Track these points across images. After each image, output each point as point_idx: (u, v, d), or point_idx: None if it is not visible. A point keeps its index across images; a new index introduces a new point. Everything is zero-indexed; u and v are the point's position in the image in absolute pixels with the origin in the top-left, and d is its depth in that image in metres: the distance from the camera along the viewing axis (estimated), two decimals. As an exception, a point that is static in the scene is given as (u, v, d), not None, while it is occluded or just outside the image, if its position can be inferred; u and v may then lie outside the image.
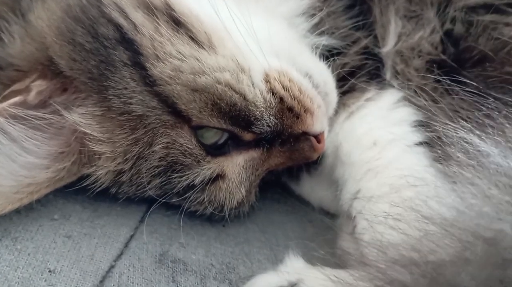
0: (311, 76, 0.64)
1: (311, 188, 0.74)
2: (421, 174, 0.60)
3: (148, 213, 0.62)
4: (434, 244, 0.45)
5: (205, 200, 0.61)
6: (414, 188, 0.56)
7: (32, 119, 0.54)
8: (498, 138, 0.48)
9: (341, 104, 0.69)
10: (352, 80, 0.70)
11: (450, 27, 0.69)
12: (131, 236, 0.59)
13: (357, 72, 0.71)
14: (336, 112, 0.69)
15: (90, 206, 0.61)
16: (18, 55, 0.56)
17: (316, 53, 0.69)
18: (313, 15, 0.71)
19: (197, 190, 0.60)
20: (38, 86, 0.55)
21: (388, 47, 0.72)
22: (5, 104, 0.53)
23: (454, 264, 0.41)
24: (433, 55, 0.69)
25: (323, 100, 0.64)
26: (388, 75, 0.71)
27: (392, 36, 0.72)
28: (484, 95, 0.57)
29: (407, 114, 0.67)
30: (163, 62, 0.54)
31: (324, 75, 0.66)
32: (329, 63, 0.69)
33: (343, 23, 0.73)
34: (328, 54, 0.71)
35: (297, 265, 0.58)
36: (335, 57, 0.71)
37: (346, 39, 0.72)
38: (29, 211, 0.56)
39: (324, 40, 0.70)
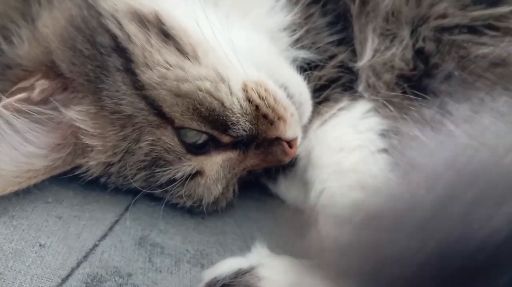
0: (287, 87, 0.71)
1: (286, 188, 0.80)
2: (380, 176, 0.67)
3: (133, 202, 0.69)
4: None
5: (185, 193, 0.68)
6: (373, 187, 0.62)
7: (34, 113, 0.62)
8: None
9: (316, 113, 0.76)
10: (327, 92, 0.77)
11: (422, 45, 0.75)
12: (116, 221, 0.66)
13: (332, 84, 0.78)
14: (311, 120, 0.76)
15: (81, 193, 0.68)
16: (25, 56, 0.64)
17: (294, 66, 0.76)
18: (295, 30, 0.77)
19: (178, 184, 0.67)
20: (41, 85, 0.62)
21: (363, 62, 0.78)
22: (11, 99, 0.60)
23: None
24: (404, 71, 0.75)
25: (297, 109, 0.71)
26: (360, 87, 0.77)
27: (368, 52, 0.78)
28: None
29: (375, 123, 0.73)
30: (151, 70, 0.62)
31: (300, 87, 0.72)
32: (306, 75, 0.76)
33: (324, 38, 0.79)
34: (307, 67, 0.78)
35: (262, 252, 0.64)
36: (313, 70, 0.77)
37: (324, 54, 0.78)
38: (26, 194, 0.63)
39: (303, 54, 0.77)
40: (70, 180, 0.67)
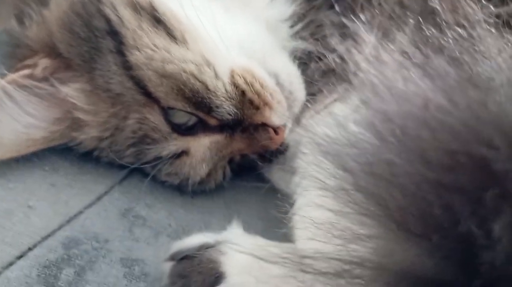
0: (277, 76, 0.73)
1: (278, 176, 0.82)
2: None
3: (125, 176, 0.74)
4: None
5: (172, 172, 0.72)
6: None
7: (36, 89, 0.68)
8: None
9: (311, 102, 0.77)
10: (323, 82, 0.77)
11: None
12: (105, 192, 0.71)
13: (329, 75, 0.78)
14: (305, 109, 0.77)
15: (77, 164, 0.74)
16: (33, 37, 0.71)
17: (292, 56, 0.77)
18: (296, 21, 0.79)
19: (164, 162, 0.71)
20: (43, 63, 0.69)
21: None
22: (16, 75, 0.67)
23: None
24: None
25: (288, 98, 0.73)
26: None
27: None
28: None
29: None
30: (139, 51, 0.66)
31: (291, 76, 0.74)
32: (305, 65, 0.77)
33: (325, 31, 0.80)
34: (306, 57, 0.79)
35: (235, 231, 0.67)
36: (312, 61, 0.79)
37: (324, 46, 0.79)
38: (26, 161, 0.70)
39: (303, 45, 0.79)
40: (68, 151, 0.73)
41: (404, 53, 0.46)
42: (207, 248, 0.61)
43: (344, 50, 0.51)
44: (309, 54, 0.79)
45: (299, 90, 0.75)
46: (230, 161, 0.78)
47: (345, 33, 0.80)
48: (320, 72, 0.79)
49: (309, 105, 0.77)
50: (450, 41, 0.47)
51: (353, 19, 0.71)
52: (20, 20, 0.73)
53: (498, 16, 0.57)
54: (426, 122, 0.38)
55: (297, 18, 0.79)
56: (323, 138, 0.49)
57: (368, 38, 0.57)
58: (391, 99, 0.42)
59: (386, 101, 0.42)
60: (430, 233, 0.38)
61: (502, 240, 0.32)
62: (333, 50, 0.78)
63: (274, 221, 0.76)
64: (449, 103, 0.37)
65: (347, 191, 0.44)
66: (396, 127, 0.40)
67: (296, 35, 0.79)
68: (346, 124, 0.46)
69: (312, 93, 0.77)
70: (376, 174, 0.41)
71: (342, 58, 0.70)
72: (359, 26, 0.57)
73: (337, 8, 0.81)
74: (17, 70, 0.68)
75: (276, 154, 0.79)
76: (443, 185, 0.36)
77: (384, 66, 0.44)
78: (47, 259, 0.59)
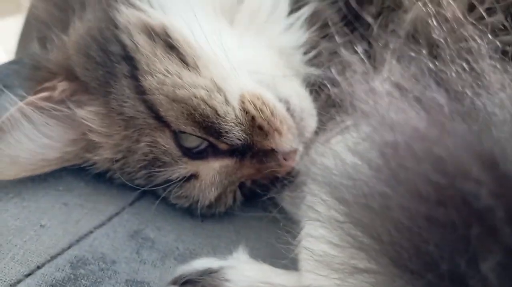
0: (288, 102, 0.73)
1: (289, 202, 0.82)
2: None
3: (137, 198, 0.75)
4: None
5: (182, 194, 0.73)
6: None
7: (52, 111, 0.71)
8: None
9: (323, 129, 0.77)
10: (335, 109, 0.77)
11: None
12: (116, 213, 0.73)
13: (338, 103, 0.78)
14: (317, 136, 0.77)
15: (91, 185, 0.75)
16: (53, 61, 0.73)
17: (306, 82, 0.78)
18: (310, 48, 0.79)
19: (174, 185, 0.72)
20: (62, 86, 0.71)
21: None
22: (34, 97, 0.70)
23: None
24: None
25: (298, 124, 0.73)
26: None
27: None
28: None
29: None
30: (152, 76, 0.68)
31: (303, 102, 0.74)
32: (318, 91, 0.77)
33: (339, 57, 0.80)
34: (320, 84, 0.79)
35: (241, 257, 0.67)
36: (324, 88, 0.79)
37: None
38: (42, 180, 0.73)
39: (316, 72, 0.79)
40: (84, 172, 0.74)
41: (400, 84, 0.46)
42: (210, 273, 0.61)
43: (341, 80, 0.51)
44: (322, 81, 0.80)
45: (311, 116, 0.75)
46: (242, 186, 0.79)
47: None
48: (332, 100, 0.79)
49: (320, 132, 0.77)
50: (453, 74, 0.47)
51: (355, 50, 0.71)
52: (43, 44, 0.76)
53: (504, 51, 0.56)
54: (415, 154, 0.37)
55: (311, 45, 0.79)
56: (321, 169, 0.49)
57: (365, 68, 0.57)
58: (384, 130, 0.41)
59: (379, 132, 0.42)
60: (424, 270, 0.38)
61: (493, 283, 0.32)
62: (332, 80, 0.79)
63: (283, 247, 0.76)
64: (440, 135, 0.37)
65: (342, 223, 0.44)
66: (390, 158, 0.40)
67: (309, 62, 0.79)
68: (342, 155, 0.46)
69: (325, 120, 0.77)
70: (371, 207, 0.41)
71: (339, 87, 0.70)
72: (358, 57, 0.57)
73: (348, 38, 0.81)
74: (37, 92, 0.71)
75: (286, 179, 0.79)
76: (434, 220, 0.36)
77: (379, 96, 0.44)
78: (54, 278, 0.61)
